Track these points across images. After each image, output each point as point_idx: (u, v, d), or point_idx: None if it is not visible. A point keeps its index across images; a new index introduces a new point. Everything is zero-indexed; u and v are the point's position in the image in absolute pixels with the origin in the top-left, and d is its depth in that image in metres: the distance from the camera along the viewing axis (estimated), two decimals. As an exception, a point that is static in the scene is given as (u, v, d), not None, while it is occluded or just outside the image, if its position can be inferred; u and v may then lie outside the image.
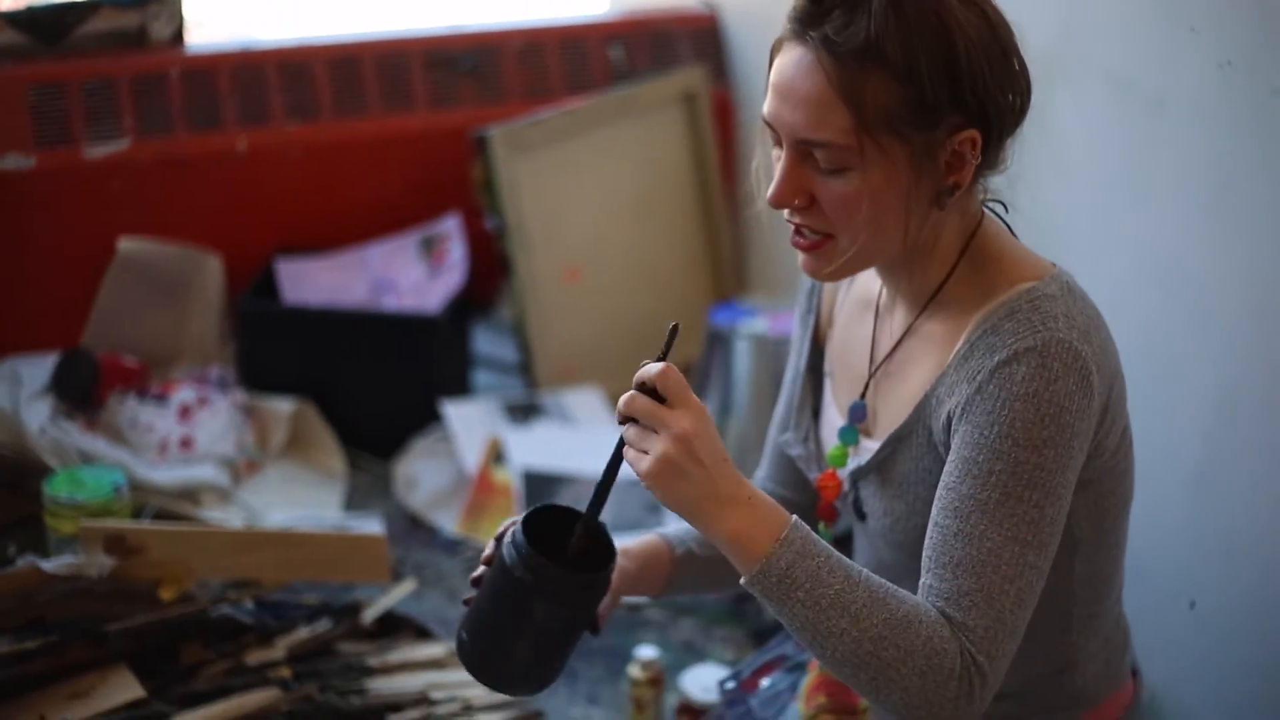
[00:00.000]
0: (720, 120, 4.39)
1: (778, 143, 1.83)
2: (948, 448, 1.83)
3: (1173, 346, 2.80)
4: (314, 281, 4.07)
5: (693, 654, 3.25)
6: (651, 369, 1.76)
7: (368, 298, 4.08)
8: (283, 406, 3.87)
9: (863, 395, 2.02)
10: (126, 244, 3.90)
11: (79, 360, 3.72)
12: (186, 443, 3.66)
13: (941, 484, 1.81)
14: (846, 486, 2.03)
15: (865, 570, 1.76)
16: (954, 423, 1.81)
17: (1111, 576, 2.02)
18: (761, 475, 2.26)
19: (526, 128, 4.06)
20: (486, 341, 4.33)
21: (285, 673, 2.91)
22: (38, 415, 3.56)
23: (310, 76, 4.06)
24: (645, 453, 1.76)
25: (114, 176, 3.87)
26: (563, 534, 1.88)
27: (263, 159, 4.03)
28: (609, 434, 3.90)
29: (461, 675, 2.98)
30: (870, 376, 2.01)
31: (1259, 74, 2.54)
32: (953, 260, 1.90)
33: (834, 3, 1.75)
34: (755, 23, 4.30)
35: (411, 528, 3.66)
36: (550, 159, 4.08)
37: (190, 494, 3.57)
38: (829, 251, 1.85)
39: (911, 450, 1.91)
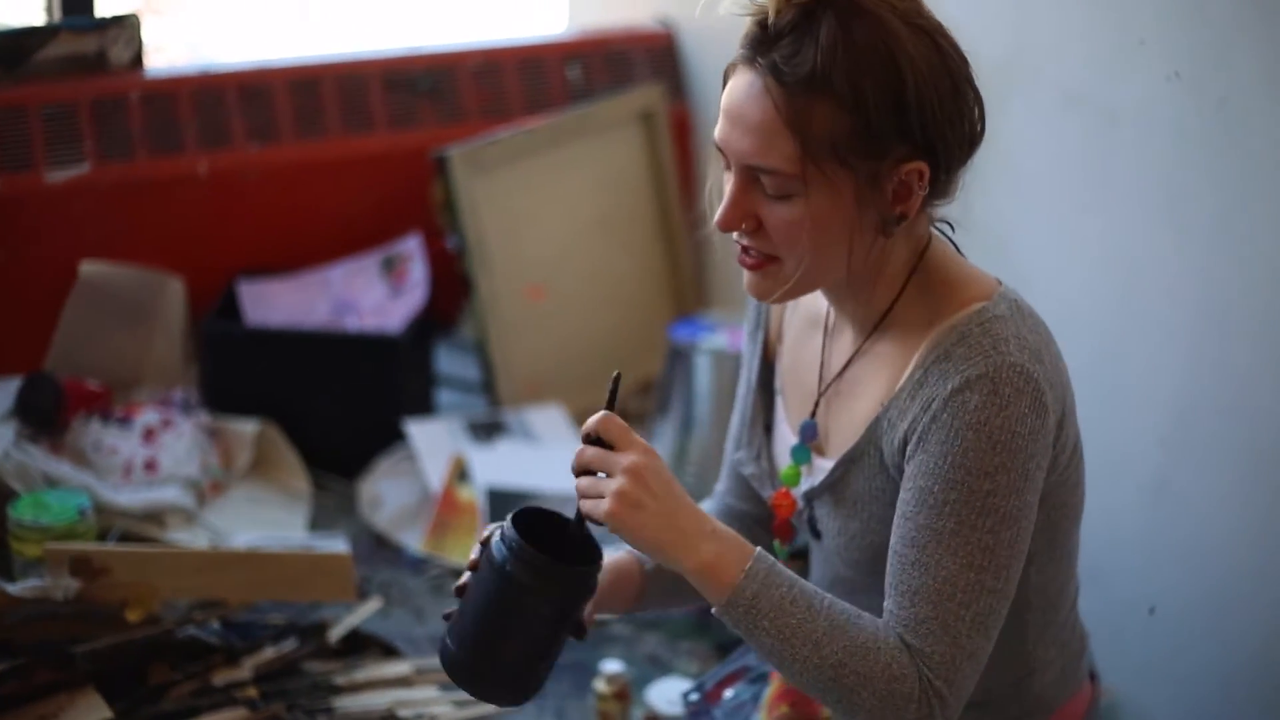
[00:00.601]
0: (678, 137, 4.41)
1: (728, 166, 1.85)
2: (900, 470, 1.85)
3: (1129, 355, 2.82)
4: (276, 303, 4.07)
5: (658, 667, 3.26)
6: (593, 419, 1.81)
7: (330, 318, 4.09)
8: (247, 428, 3.87)
9: (813, 414, 2.03)
10: (88, 268, 3.90)
11: (42, 384, 3.71)
12: (151, 465, 3.66)
13: (899, 512, 1.83)
14: (801, 505, 2.05)
15: (828, 597, 1.80)
16: (909, 449, 1.83)
17: (1065, 585, 2.04)
18: (721, 489, 2.27)
19: (485, 147, 4.07)
20: (449, 360, 4.33)
21: (252, 692, 2.92)
22: (1, 439, 3.55)
23: (270, 99, 4.07)
24: (602, 496, 1.79)
25: (75, 200, 3.87)
26: (547, 536, 1.88)
27: (224, 181, 4.03)
28: (572, 451, 3.92)
29: (428, 693, 3.01)
30: (820, 395, 2.02)
31: (1206, 85, 2.58)
32: (900, 283, 1.91)
33: (783, 31, 1.76)
34: (711, 41, 4.32)
35: (377, 546, 3.66)
36: (510, 178, 4.09)
37: (155, 516, 3.56)
38: (774, 274, 1.86)
39: (864, 470, 1.93)
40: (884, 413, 1.88)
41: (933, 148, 1.78)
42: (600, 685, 3.03)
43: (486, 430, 3.95)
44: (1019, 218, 3.03)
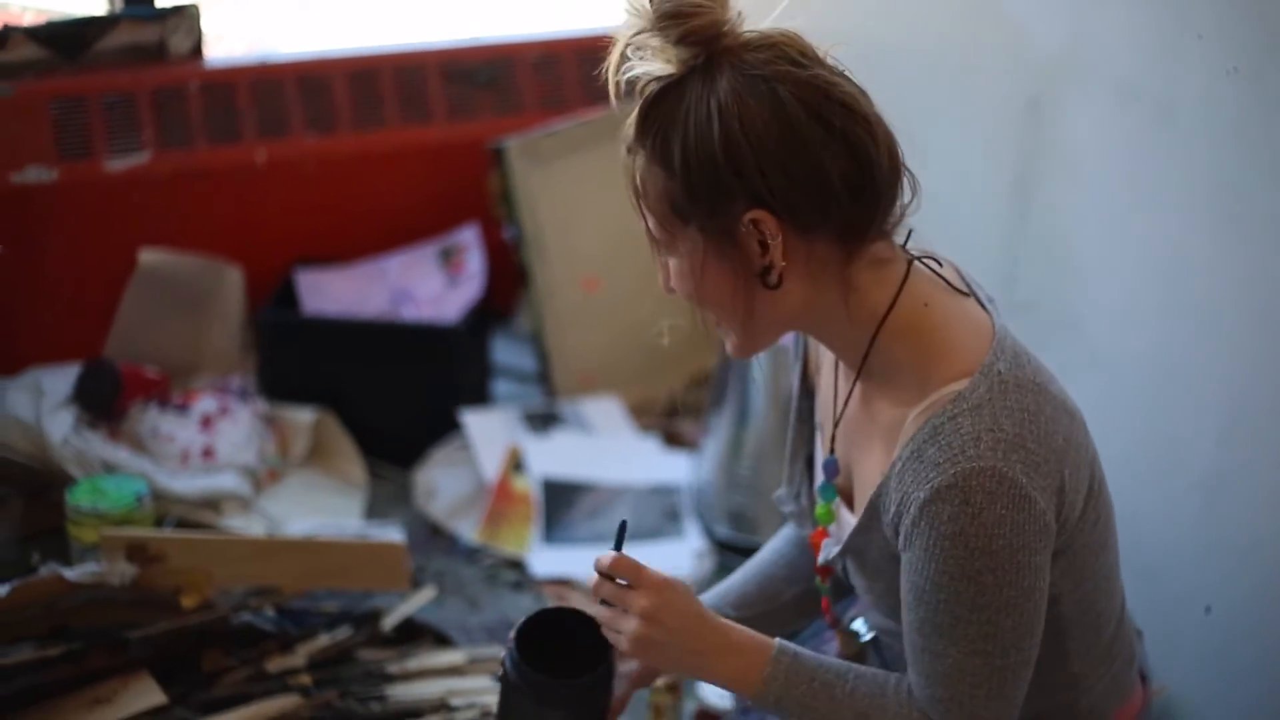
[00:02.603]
0: (736, 130, 4.40)
1: None
2: (899, 544, 1.88)
3: (1183, 351, 2.81)
4: (333, 292, 4.08)
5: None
6: (604, 559, 1.91)
7: (387, 308, 4.10)
8: (303, 416, 3.89)
9: (831, 450, 2.05)
10: (148, 256, 3.92)
11: (101, 371, 3.74)
12: (208, 452, 3.68)
13: (902, 596, 1.87)
14: (834, 556, 2.06)
15: (852, 678, 1.91)
16: (899, 539, 1.85)
17: (1107, 604, 2.03)
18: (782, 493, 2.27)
19: (543, 139, 4.08)
20: (505, 351, 4.34)
21: (305, 680, 2.93)
22: (60, 426, 3.58)
23: (328, 89, 4.08)
24: (620, 632, 1.90)
25: (134, 189, 3.89)
26: (562, 632, 2.00)
27: (282, 171, 4.05)
28: (627, 443, 3.94)
29: (480, 682, 3.02)
30: (833, 431, 2.03)
31: (1266, 80, 2.55)
32: (869, 331, 1.88)
33: (641, 111, 1.84)
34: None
35: (431, 536, 3.67)
36: (567, 169, 4.09)
37: (212, 503, 3.59)
38: (722, 330, 1.95)
39: (875, 541, 1.94)
40: (879, 493, 1.89)
41: (761, 197, 1.77)
42: (652, 677, 3.03)
43: (542, 421, 3.96)
44: (1074, 213, 3.02)
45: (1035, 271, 3.15)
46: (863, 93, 1.82)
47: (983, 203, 3.28)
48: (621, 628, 1.89)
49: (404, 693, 2.97)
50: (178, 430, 3.69)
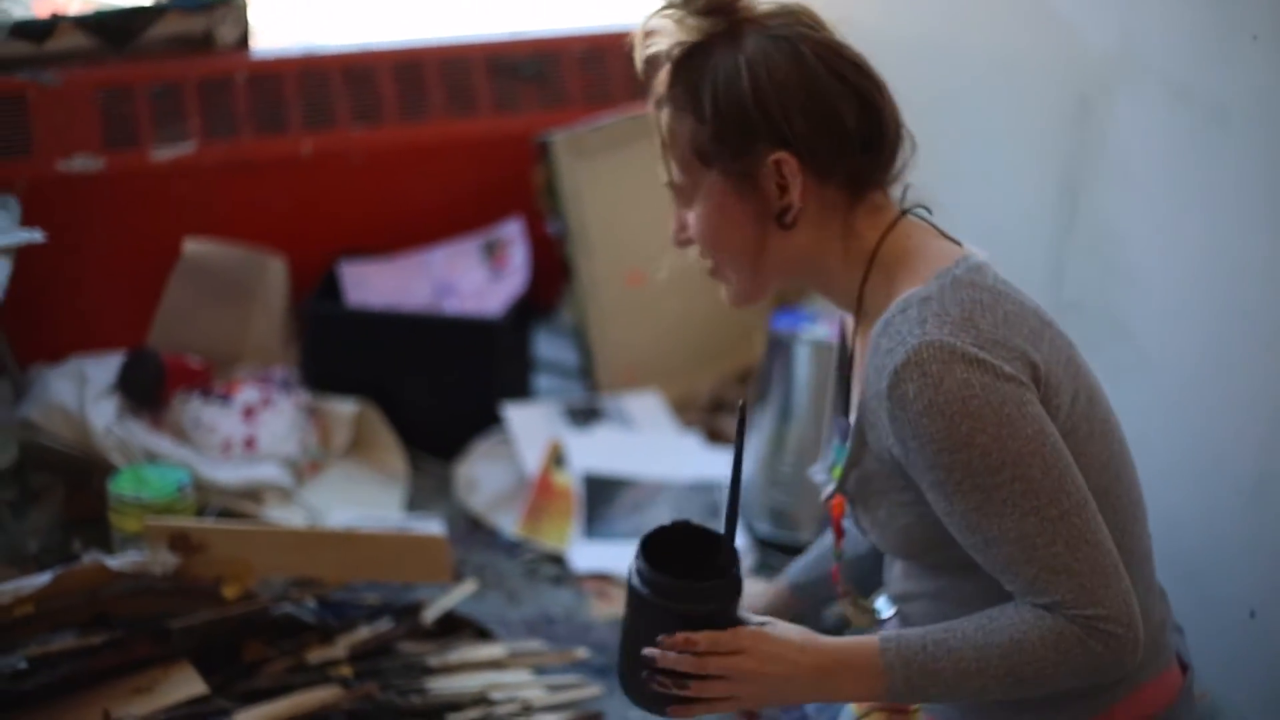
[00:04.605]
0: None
1: None
2: (898, 459, 1.90)
3: (1229, 355, 2.79)
4: (377, 284, 4.09)
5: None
6: (697, 641, 1.87)
7: (430, 301, 4.10)
8: (345, 408, 3.89)
9: (846, 413, 2.10)
10: (192, 246, 3.93)
11: (144, 360, 3.75)
12: (250, 442, 3.68)
13: (944, 520, 1.88)
14: (848, 508, 2.08)
15: (958, 627, 1.88)
16: (897, 452, 1.88)
17: (1121, 540, 1.96)
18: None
19: (588, 133, 4.07)
20: (548, 345, 4.34)
21: (346, 671, 2.93)
22: (103, 414, 3.58)
23: (374, 81, 4.08)
24: (736, 697, 1.90)
25: (180, 179, 3.90)
26: (688, 546, 1.95)
27: (327, 162, 4.05)
28: (669, 439, 3.93)
29: (521, 676, 3.03)
30: (851, 391, 2.10)
31: (1321, 82, 2.54)
32: (861, 271, 1.99)
33: (656, 65, 2.00)
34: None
35: (472, 529, 3.68)
36: (612, 164, 4.08)
37: (253, 493, 3.59)
38: (724, 278, 2.05)
39: (867, 466, 1.97)
40: (861, 413, 1.94)
41: (786, 139, 1.92)
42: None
43: (584, 416, 3.96)
44: (1124, 214, 3.00)
45: (1083, 272, 3.14)
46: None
47: (1032, 201, 3.26)
48: (738, 693, 1.89)
49: (444, 686, 2.97)
50: (220, 420, 3.70)
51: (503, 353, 3.96)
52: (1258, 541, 2.76)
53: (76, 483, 3.50)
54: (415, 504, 3.76)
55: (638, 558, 1.91)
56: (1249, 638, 2.79)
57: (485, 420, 3.93)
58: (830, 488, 2.09)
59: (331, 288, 4.08)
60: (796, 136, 1.92)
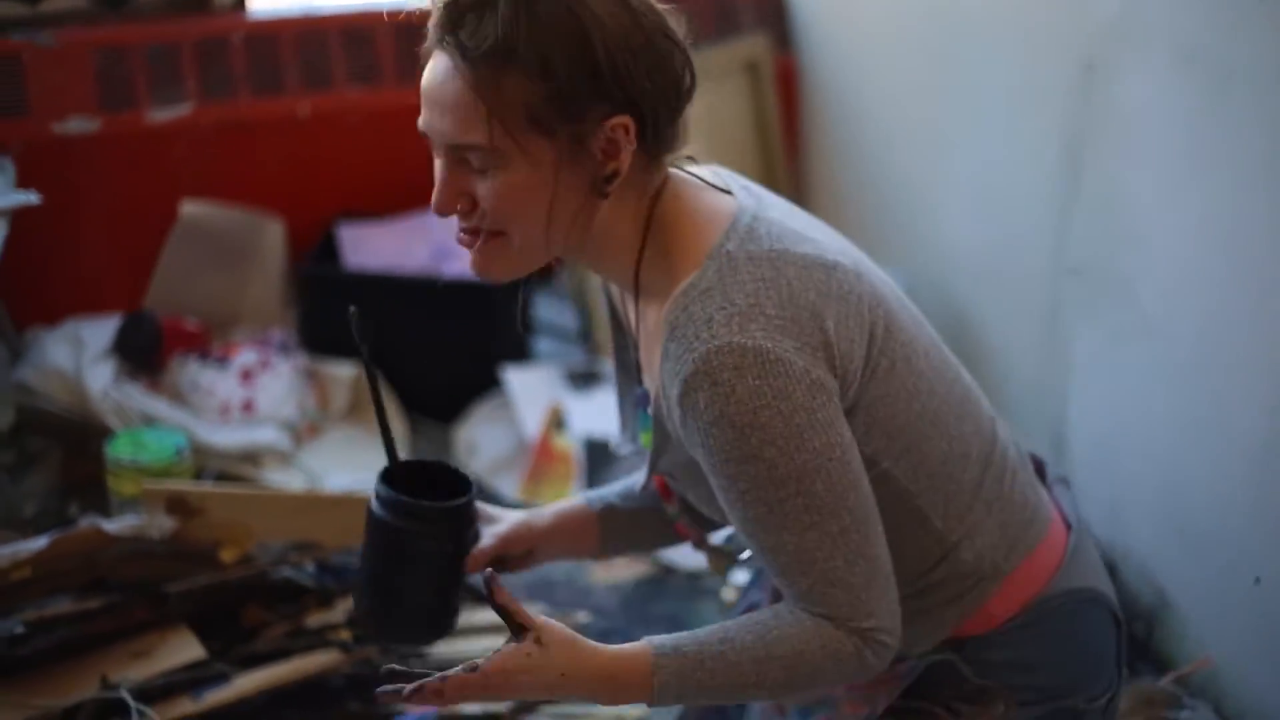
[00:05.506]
0: (783, 89, 4.38)
1: (437, 151, 1.86)
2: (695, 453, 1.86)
3: (1233, 320, 2.78)
4: (375, 246, 4.07)
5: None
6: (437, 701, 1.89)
7: (428, 263, 4.09)
8: (344, 371, 3.88)
9: (639, 379, 2.03)
10: (189, 208, 3.92)
11: (141, 323, 3.74)
12: (248, 405, 3.67)
13: (725, 509, 1.85)
14: (669, 481, 2.05)
15: (734, 634, 1.84)
16: (696, 453, 1.83)
17: (950, 453, 1.95)
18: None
19: (588, 95, 4.05)
20: (547, 308, 4.32)
21: (345, 635, 2.92)
22: (100, 377, 3.57)
23: (372, 42, 4.06)
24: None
25: (176, 140, 3.89)
26: (420, 482, 2.02)
27: (324, 124, 4.04)
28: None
29: (520, 640, 3.00)
30: (635, 360, 2.03)
31: (1330, 45, 2.52)
32: (638, 244, 1.88)
33: (465, 8, 1.78)
34: (819, -9, 4.28)
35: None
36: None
37: (251, 456, 3.58)
38: (499, 249, 1.85)
39: (673, 451, 1.92)
40: (658, 408, 1.89)
41: (633, 101, 1.78)
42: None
43: (584, 379, 3.94)
44: (1128, 178, 2.98)
45: (1087, 236, 3.12)
46: None
47: (1036, 166, 3.25)
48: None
49: (443, 649, 2.96)
50: (218, 383, 3.69)
51: (502, 316, 3.94)
52: (1264, 508, 2.75)
53: (73, 446, 3.48)
54: (414, 468, 3.74)
55: (378, 480, 1.98)
56: (1253, 604, 2.79)
57: (485, 384, 3.92)
58: (645, 469, 2.02)
59: (330, 250, 4.06)
60: (645, 100, 1.78)
